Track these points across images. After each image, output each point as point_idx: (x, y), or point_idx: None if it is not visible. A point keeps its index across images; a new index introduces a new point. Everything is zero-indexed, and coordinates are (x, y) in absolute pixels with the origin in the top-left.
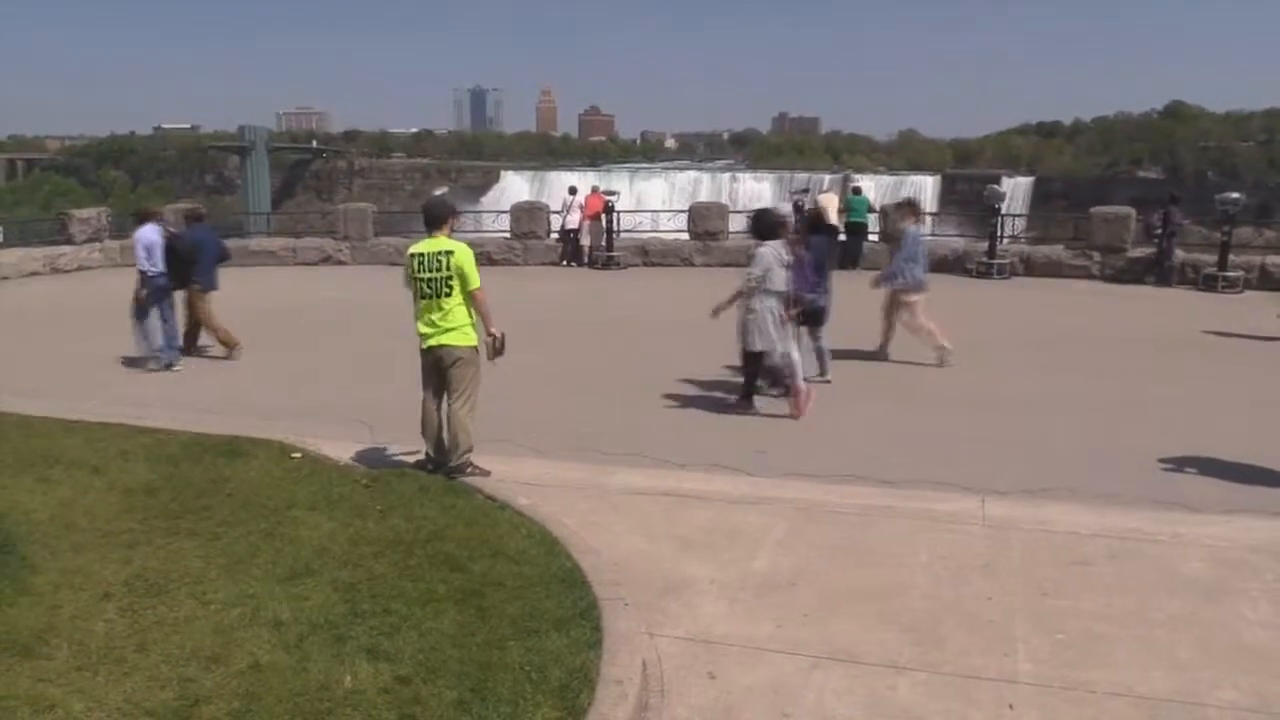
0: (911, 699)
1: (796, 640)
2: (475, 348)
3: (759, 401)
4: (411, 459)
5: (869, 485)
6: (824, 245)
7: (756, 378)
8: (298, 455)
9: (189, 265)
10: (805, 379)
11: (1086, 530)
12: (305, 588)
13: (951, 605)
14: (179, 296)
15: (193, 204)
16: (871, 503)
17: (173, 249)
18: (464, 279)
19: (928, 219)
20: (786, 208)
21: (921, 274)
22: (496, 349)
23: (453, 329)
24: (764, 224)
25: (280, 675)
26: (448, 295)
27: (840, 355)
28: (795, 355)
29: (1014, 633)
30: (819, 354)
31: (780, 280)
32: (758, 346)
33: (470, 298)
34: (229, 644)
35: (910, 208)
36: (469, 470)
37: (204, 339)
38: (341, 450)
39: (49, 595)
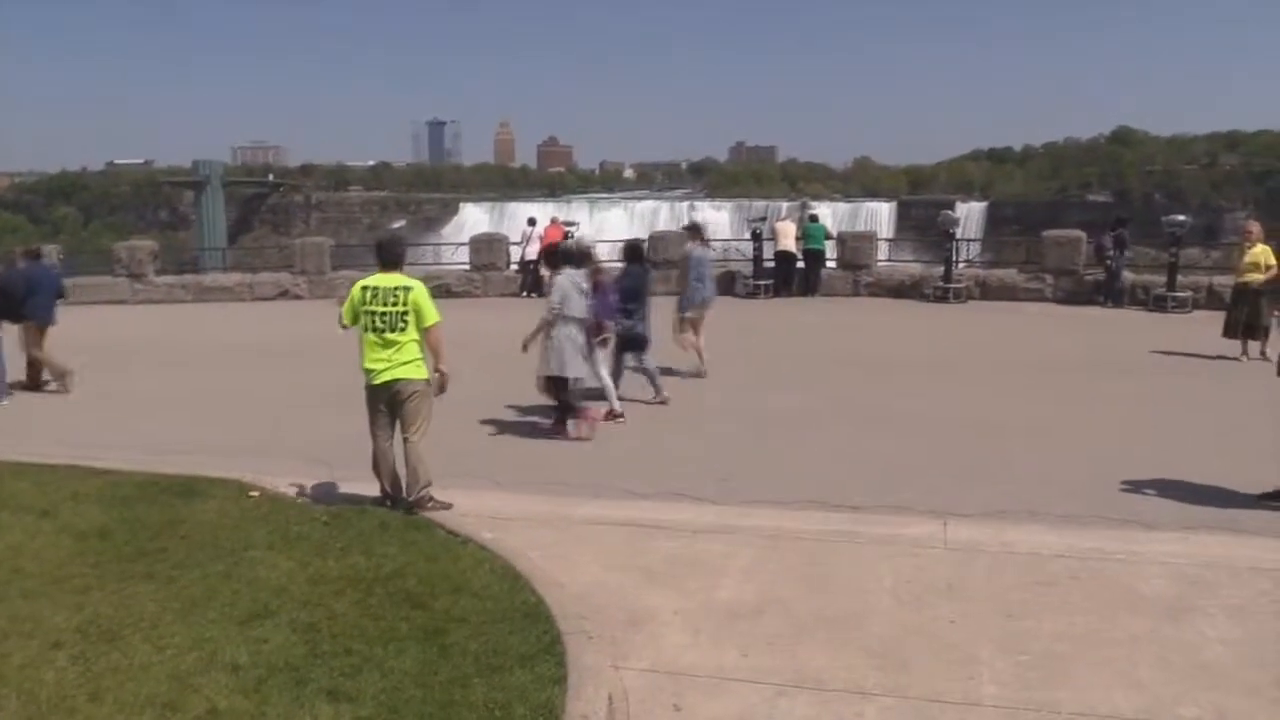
0: None
1: (762, 668)
2: (428, 380)
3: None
4: (371, 495)
5: (832, 511)
6: (639, 274)
7: (568, 400)
8: (255, 494)
9: (19, 301)
10: (650, 400)
11: (1048, 551)
12: (264, 629)
13: (916, 629)
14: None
15: (32, 246)
16: (835, 528)
17: (2, 288)
18: (420, 315)
19: (883, 245)
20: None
21: (707, 292)
22: (442, 386)
23: (407, 362)
24: (559, 256)
25: None
26: (402, 330)
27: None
28: (606, 378)
29: (978, 655)
30: (649, 377)
31: (578, 307)
32: (554, 371)
33: (425, 334)
34: (185, 690)
35: (694, 231)
36: (429, 504)
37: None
38: (300, 488)
39: None
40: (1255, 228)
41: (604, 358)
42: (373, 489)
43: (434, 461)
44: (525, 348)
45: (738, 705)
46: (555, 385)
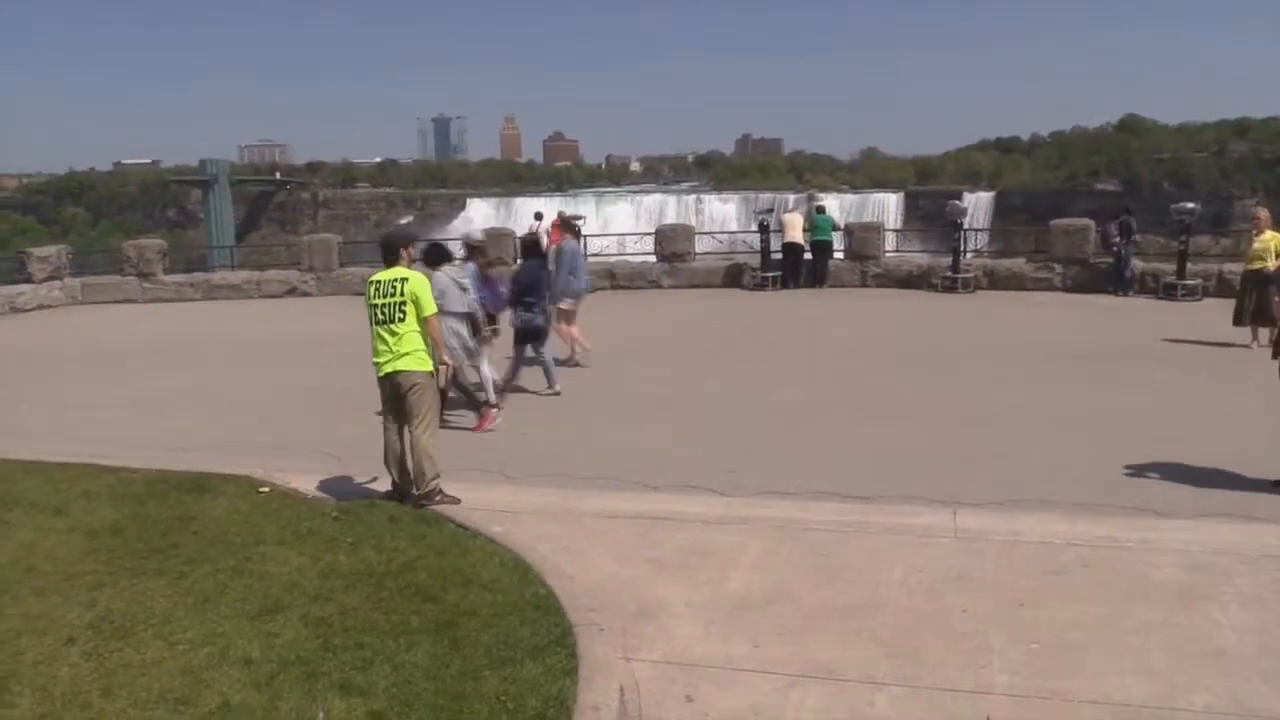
0: (890, 714)
1: (773, 659)
2: (431, 373)
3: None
4: (381, 489)
5: (842, 501)
6: (537, 269)
7: (465, 392)
8: (266, 490)
9: None
10: (543, 391)
11: (1059, 539)
12: (275, 624)
13: (927, 619)
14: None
15: None
16: (845, 519)
17: None
18: (418, 305)
19: (891, 236)
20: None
21: (580, 284)
22: (449, 378)
23: (407, 354)
24: (433, 254)
25: (251, 715)
26: (401, 320)
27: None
28: (486, 372)
29: (990, 644)
30: (544, 369)
31: (458, 302)
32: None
33: (424, 324)
34: (198, 685)
35: (568, 227)
36: (438, 498)
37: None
38: (310, 483)
39: (10, 641)
40: (1264, 214)
41: (486, 351)
42: (382, 484)
43: (442, 455)
44: None
45: (750, 696)
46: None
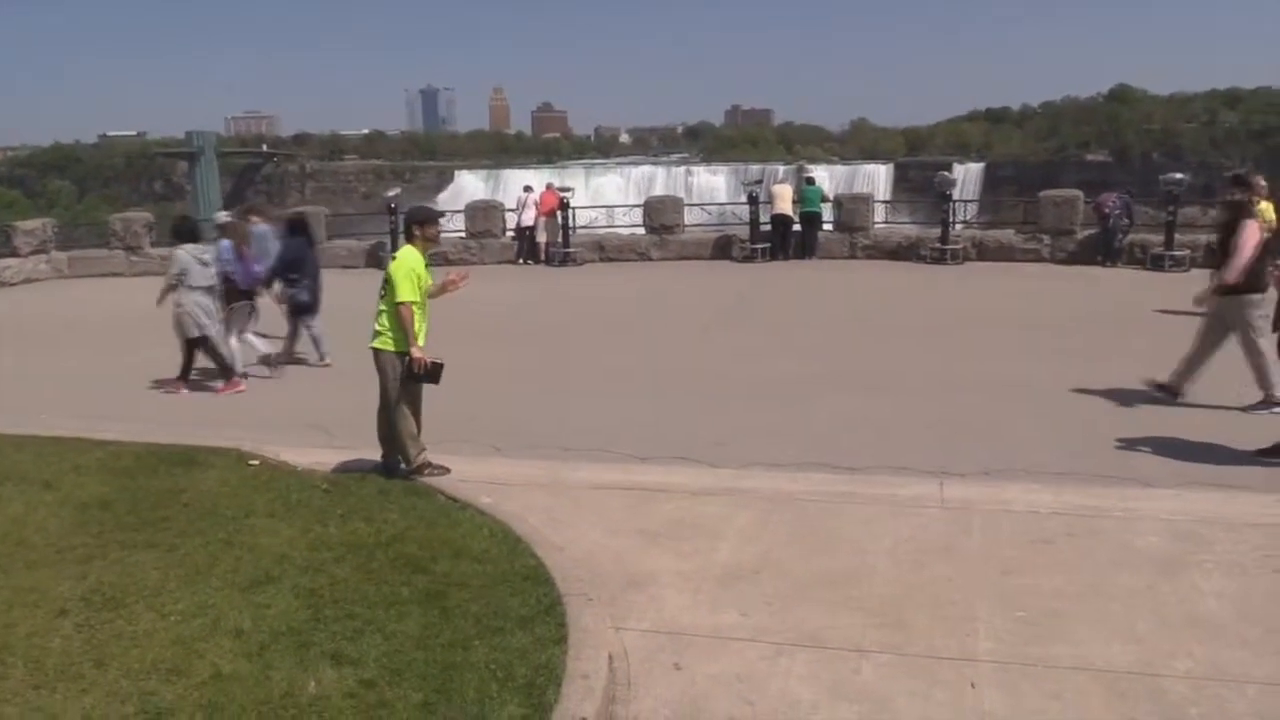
0: (876, 681)
1: (761, 628)
2: (395, 354)
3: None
4: (370, 462)
5: (829, 472)
6: (300, 245)
7: (193, 361)
8: (255, 463)
9: None
10: (314, 362)
11: (1045, 509)
12: (266, 595)
13: (914, 588)
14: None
15: None
16: (832, 490)
17: None
18: (392, 288)
19: (880, 207)
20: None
21: (259, 270)
22: (416, 373)
23: (381, 333)
24: (181, 231)
25: (243, 685)
26: (382, 298)
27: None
28: (233, 344)
29: (976, 612)
30: (314, 340)
31: (201, 277)
32: (192, 334)
33: (392, 307)
34: (190, 655)
35: (253, 210)
36: (427, 470)
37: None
38: (300, 456)
39: (2, 613)
40: (1260, 184)
41: (239, 322)
42: (372, 456)
43: (432, 428)
44: (159, 304)
45: (738, 664)
46: (189, 346)
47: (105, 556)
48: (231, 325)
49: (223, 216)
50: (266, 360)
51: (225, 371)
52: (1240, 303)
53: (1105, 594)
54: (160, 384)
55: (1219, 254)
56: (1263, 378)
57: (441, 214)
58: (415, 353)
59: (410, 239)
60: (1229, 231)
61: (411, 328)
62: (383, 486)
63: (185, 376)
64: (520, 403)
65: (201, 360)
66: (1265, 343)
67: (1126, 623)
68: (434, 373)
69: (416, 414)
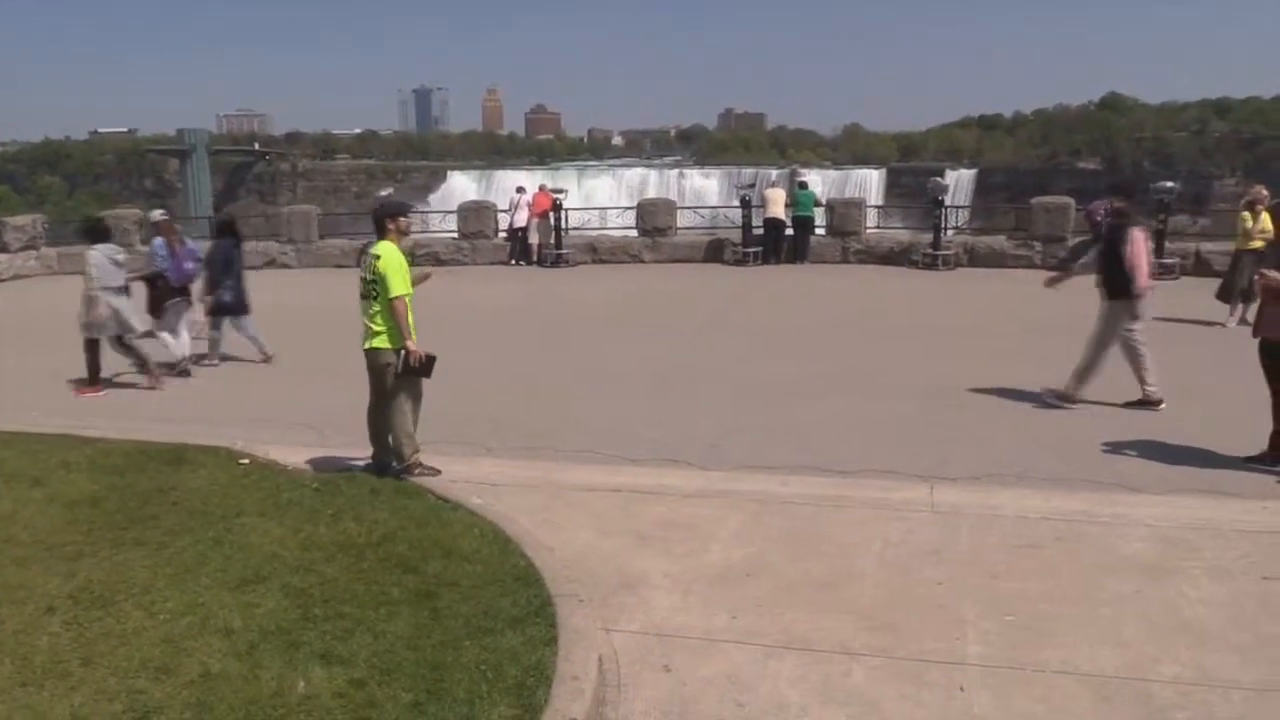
0: (865, 684)
1: (751, 630)
2: (396, 352)
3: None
4: (361, 461)
5: (820, 476)
6: (229, 246)
7: (133, 354)
8: (245, 461)
9: None
10: (256, 360)
11: (1034, 514)
12: (256, 594)
13: (903, 591)
14: None
15: None
16: (823, 493)
17: None
18: (384, 285)
19: (872, 212)
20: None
21: (191, 268)
22: (411, 366)
23: (379, 333)
24: (92, 231)
25: (232, 684)
26: (374, 298)
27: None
28: (168, 338)
29: (964, 616)
30: (251, 340)
31: (113, 277)
32: (114, 333)
33: (388, 304)
34: (179, 654)
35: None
36: (417, 470)
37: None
38: (290, 455)
39: None
40: (1263, 194)
41: (175, 319)
42: (362, 456)
43: (423, 428)
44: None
45: (727, 666)
46: (90, 346)
47: (94, 554)
48: (165, 322)
49: (157, 215)
50: (172, 366)
51: (143, 366)
52: (1122, 307)
53: (1093, 599)
54: (77, 389)
55: (1104, 261)
56: (1142, 378)
57: (409, 206)
58: (411, 346)
59: (384, 233)
60: (1116, 241)
61: (407, 321)
62: (373, 486)
63: (95, 378)
64: (512, 404)
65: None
66: (1144, 345)
67: (1114, 627)
68: (428, 365)
69: (416, 412)
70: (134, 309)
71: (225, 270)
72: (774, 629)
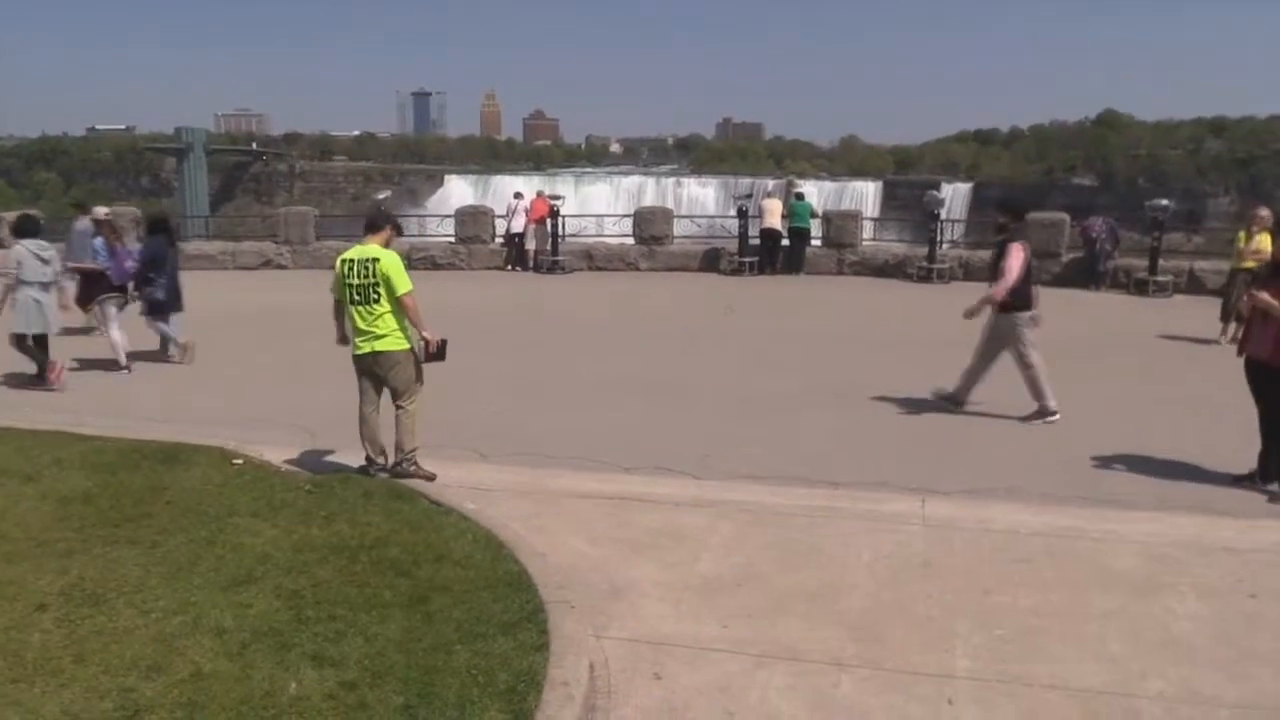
0: (854, 695)
1: (741, 640)
2: (410, 350)
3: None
4: (355, 464)
5: (812, 487)
6: (159, 245)
7: (31, 353)
8: (239, 461)
9: None
10: (173, 359)
11: (1025, 529)
12: (248, 595)
13: (893, 604)
14: None
15: None
16: (815, 504)
17: None
18: (390, 285)
19: (868, 225)
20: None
21: (131, 266)
22: (431, 353)
23: (385, 335)
24: (21, 227)
25: (223, 683)
26: (376, 301)
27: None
28: (113, 334)
29: (954, 629)
30: (169, 339)
31: (36, 273)
32: (22, 329)
33: (399, 304)
34: (170, 653)
35: (79, 207)
36: (412, 469)
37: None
38: (283, 456)
39: None
40: (1261, 215)
41: (114, 315)
42: (356, 457)
43: (420, 433)
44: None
45: (717, 675)
46: (16, 340)
47: (86, 551)
48: (101, 319)
49: (101, 212)
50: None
51: (41, 369)
52: (1012, 320)
53: (1082, 614)
54: (45, 380)
55: (991, 274)
56: (1036, 390)
57: (396, 216)
58: (429, 334)
59: (374, 235)
60: (998, 255)
61: (420, 314)
62: (367, 489)
63: (43, 371)
64: (506, 409)
65: (100, 350)
66: (1035, 357)
67: (1102, 643)
68: (442, 349)
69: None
70: (55, 308)
71: (157, 268)
72: (764, 639)
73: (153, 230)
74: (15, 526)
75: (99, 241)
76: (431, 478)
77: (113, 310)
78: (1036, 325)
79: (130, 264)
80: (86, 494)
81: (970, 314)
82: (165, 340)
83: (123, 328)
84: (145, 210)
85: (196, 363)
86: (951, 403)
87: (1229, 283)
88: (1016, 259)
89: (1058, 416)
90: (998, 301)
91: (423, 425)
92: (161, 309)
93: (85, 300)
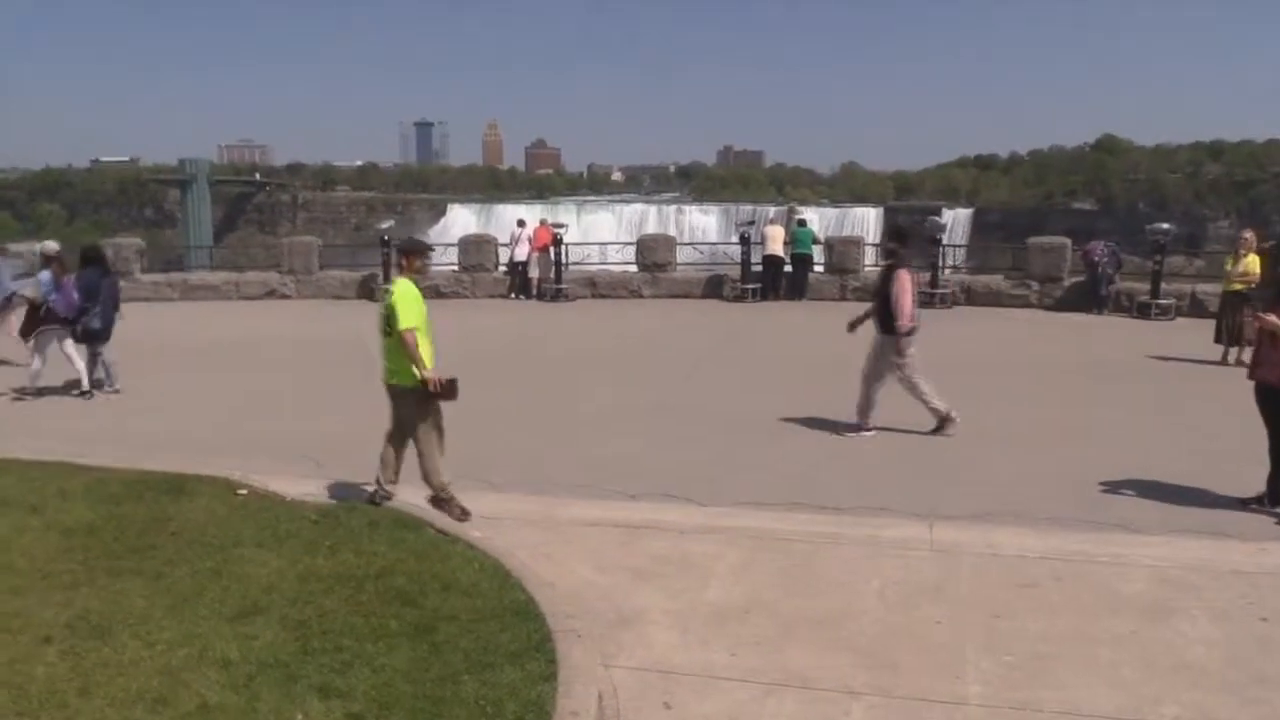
0: None
1: (750, 668)
2: (413, 389)
3: None
4: (361, 493)
5: (818, 512)
6: (94, 276)
7: None
8: (244, 492)
9: None
10: (100, 391)
11: (1033, 553)
12: (254, 626)
13: (902, 630)
14: None
15: None
16: (821, 530)
17: None
18: (393, 319)
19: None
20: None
21: (78, 299)
22: (434, 394)
23: (396, 369)
24: None
25: (229, 716)
26: (388, 335)
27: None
28: (76, 359)
29: (964, 655)
30: (105, 367)
31: None
32: None
33: (398, 337)
34: (176, 685)
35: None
36: (450, 507)
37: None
38: (289, 486)
39: None
40: (1247, 238)
41: (53, 346)
42: (362, 488)
43: (443, 469)
44: None
45: (727, 704)
46: None
47: (91, 583)
48: (37, 345)
49: (53, 249)
50: (23, 391)
51: None
52: (891, 342)
53: (1092, 639)
54: None
55: (877, 300)
56: (928, 404)
57: (430, 247)
58: (428, 374)
59: (400, 270)
60: (887, 280)
61: (418, 352)
62: (372, 518)
63: None
64: (512, 438)
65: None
66: (918, 376)
67: (1113, 668)
68: (449, 389)
69: (441, 444)
70: None
71: (90, 298)
72: (773, 667)
73: (85, 261)
74: (20, 558)
75: (46, 275)
76: (462, 517)
77: (45, 341)
78: (912, 345)
79: (77, 296)
80: (91, 525)
81: (851, 327)
82: (107, 370)
83: (47, 361)
84: (80, 244)
85: (207, 390)
86: (858, 429)
87: (1221, 306)
88: (906, 287)
89: (958, 420)
90: (906, 328)
91: (441, 455)
92: (96, 338)
93: (27, 330)
